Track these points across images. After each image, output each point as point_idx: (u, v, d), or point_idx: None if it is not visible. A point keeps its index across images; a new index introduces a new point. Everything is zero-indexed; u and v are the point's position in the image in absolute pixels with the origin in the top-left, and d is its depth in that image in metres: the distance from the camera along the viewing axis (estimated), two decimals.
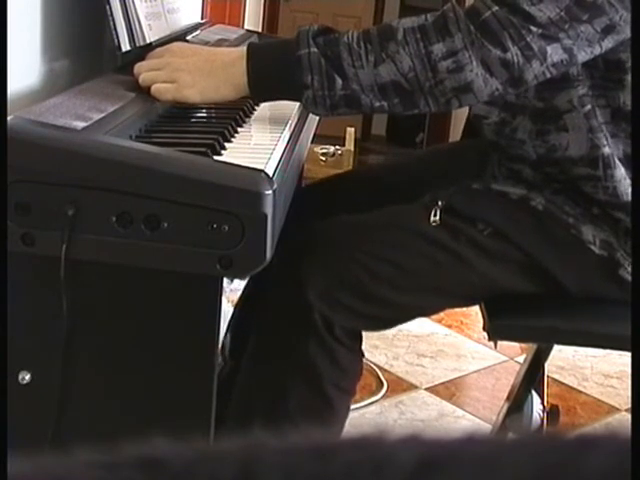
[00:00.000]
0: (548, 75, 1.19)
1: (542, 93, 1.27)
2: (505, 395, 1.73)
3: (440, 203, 1.30)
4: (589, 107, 1.25)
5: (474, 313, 2.49)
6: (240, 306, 1.71)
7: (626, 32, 1.19)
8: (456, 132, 4.61)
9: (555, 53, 1.16)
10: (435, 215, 1.30)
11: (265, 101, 1.30)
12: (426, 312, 1.41)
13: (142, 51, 1.45)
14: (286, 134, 1.25)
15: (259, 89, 1.21)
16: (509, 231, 1.29)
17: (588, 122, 1.25)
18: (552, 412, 1.73)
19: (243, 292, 1.73)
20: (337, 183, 1.68)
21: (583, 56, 1.19)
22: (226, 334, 1.67)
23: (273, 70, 1.20)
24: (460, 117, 3.36)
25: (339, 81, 1.16)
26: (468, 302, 1.38)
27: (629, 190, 1.26)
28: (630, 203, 1.26)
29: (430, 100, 1.17)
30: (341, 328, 1.27)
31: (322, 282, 1.26)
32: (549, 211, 1.30)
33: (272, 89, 1.21)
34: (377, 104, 1.17)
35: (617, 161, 1.26)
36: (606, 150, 1.25)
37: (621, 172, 1.26)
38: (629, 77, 1.24)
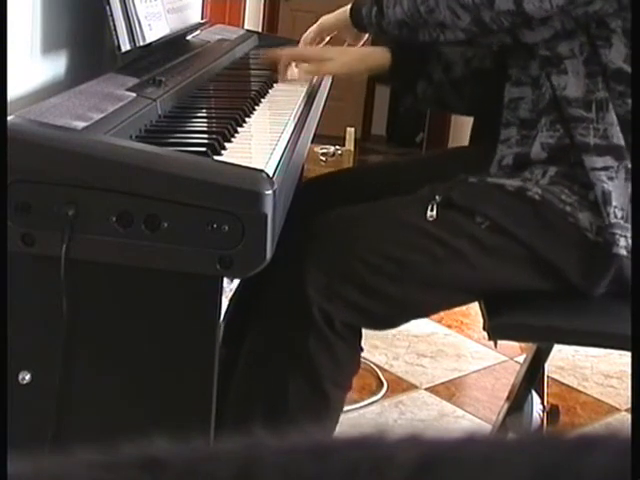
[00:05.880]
0: (504, 22, 1.34)
1: (550, 42, 1.36)
2: (505, 395, 1.73)
3: (437, 198, 1.32)
4: (586, 54, 1.34)
5: (474, 313, 2.50)
6: (236, 296, 1.71)
7: None
8: (456, 132, 4.61)
9: (503, 3, 1.32)
10: (432, 210, 1.30)
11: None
12: (426, 310, 1.41)
13: (142, 51, 1.45)
14: (286, 134, 1.25)
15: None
16: (507, 223, 1.30)
17: (586, 68, 1.33)
18: (552, 412, 1.73)
19: (238, 284, 1.72)
20: (337, 179, 1.69)
21: (532, 9, 1.31)
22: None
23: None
24: (460, 118, 3.35)
25: (384, 19, 1.47)
26: (468, 298, 1.38)
27: (619, 135, 1.31)
28: (620, 147, 1.31)
29: (426, 33, 1.41)
30: (341, 323, 1.27)
31: (322, 277, 1.26)
32: (546, 201, 1.31)
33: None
34: (402, 34, 1.46)
35: (610, 105, 1.32)
36: (600, 95, 1.32)
37: (612, 116, 1.31)
38: (615, 36, 1.32)
